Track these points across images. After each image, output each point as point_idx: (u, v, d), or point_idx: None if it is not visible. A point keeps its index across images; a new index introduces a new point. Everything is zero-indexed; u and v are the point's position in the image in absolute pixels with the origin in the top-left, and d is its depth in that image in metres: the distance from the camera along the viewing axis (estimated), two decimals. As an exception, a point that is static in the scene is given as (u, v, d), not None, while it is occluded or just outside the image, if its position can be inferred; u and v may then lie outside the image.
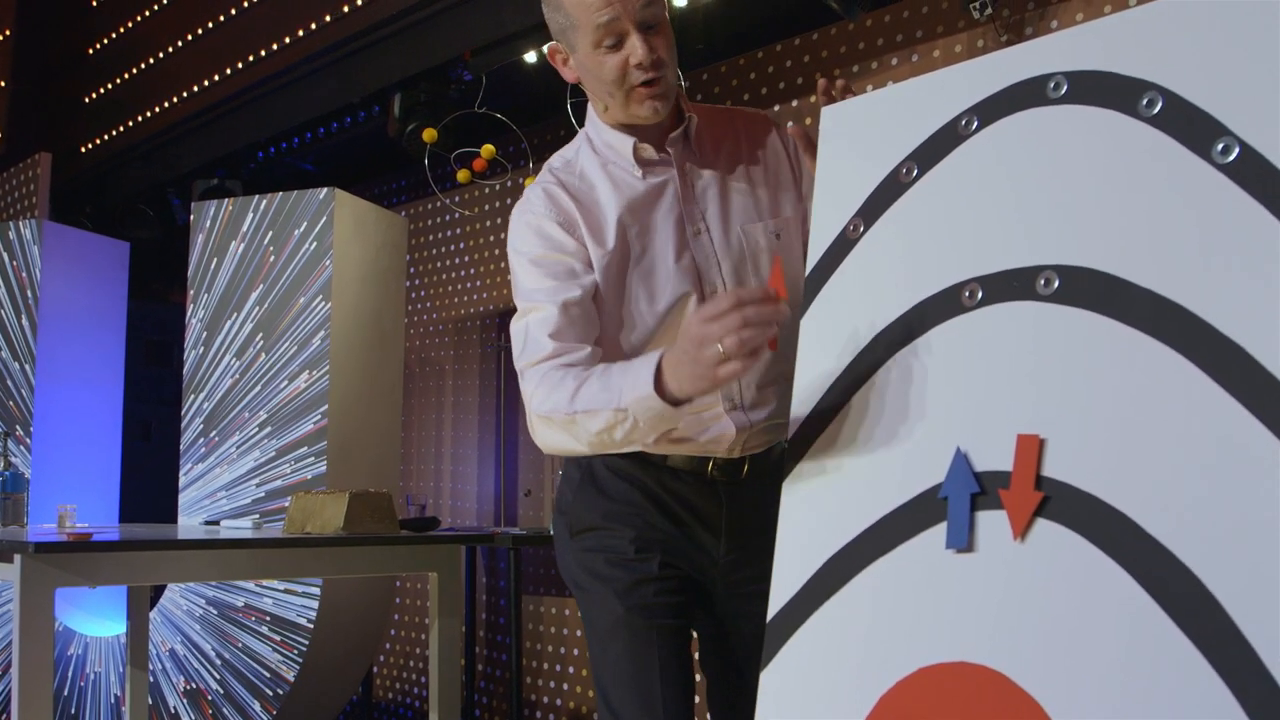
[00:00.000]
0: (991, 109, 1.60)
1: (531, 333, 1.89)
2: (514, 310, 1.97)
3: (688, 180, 1.99)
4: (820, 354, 1.74)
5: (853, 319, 1.71)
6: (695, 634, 2.10)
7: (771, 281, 1.66)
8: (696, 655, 2.10)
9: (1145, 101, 1.41)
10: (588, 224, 1.93)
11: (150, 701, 4.72)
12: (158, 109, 6.05)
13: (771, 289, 1.60)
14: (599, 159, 1.99)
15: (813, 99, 1.96)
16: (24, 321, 5.49)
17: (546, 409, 1.81)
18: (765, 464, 1.99)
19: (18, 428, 5.42)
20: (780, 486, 1.74)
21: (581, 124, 2.07)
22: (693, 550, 2.00)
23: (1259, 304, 1.27)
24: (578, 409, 1.76)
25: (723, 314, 1.56)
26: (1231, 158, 1.32)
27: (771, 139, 2.10)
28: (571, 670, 5.05)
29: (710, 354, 1.56)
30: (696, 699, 2.04)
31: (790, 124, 2.08)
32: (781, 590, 1.68)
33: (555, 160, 2.04)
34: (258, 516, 4.72)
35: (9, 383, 5.50)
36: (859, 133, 1.80)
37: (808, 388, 1.74)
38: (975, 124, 1.61)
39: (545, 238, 1.92)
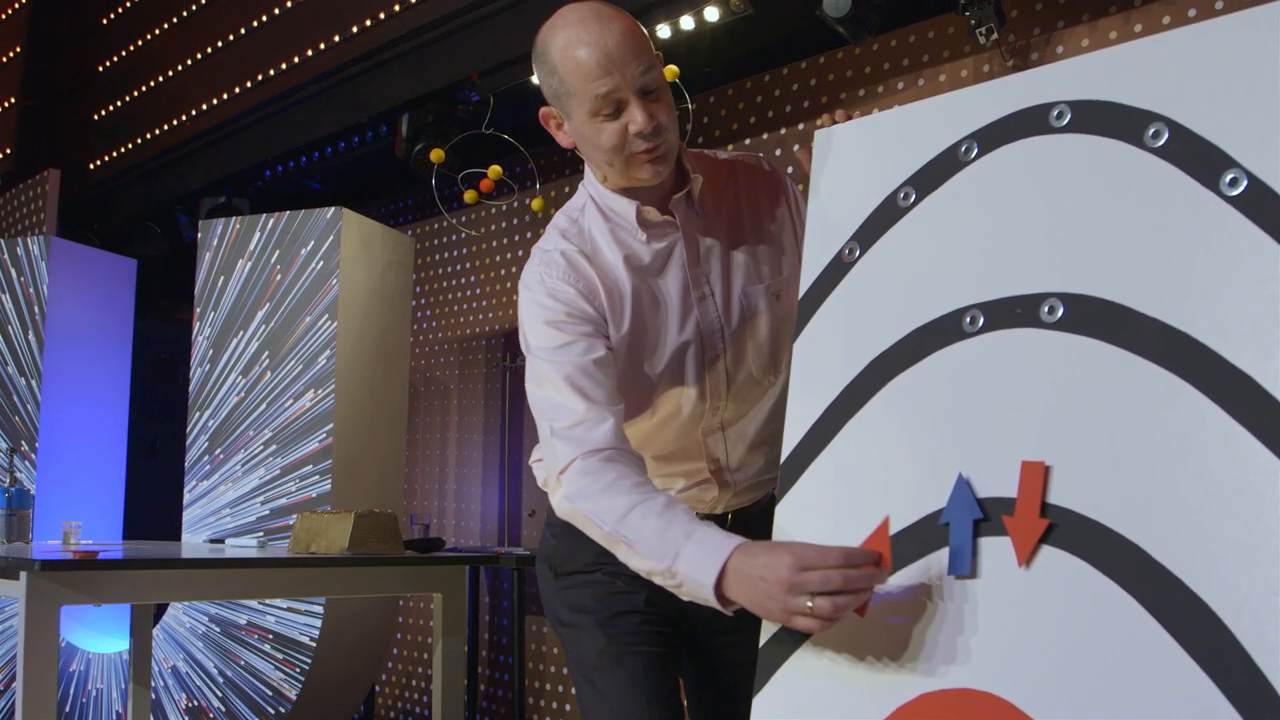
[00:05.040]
0: (992, 136, 1.61)
1: (558, 393, 1.82)
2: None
3: (693, 244, 1.95)
4: (815, 378, 1.74)
5: (849, 343, 1.70)
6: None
7: (873, 540, 1.57)
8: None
9: (1151, 132, 1.42)
10: (608, 296, 1.90)
11: (152, 718, 4.71)
12: (166, 127, 6.08)
13: (878, 553, 1.53)
14: (607, 224, 1.95)
15: (819, 123, 1.94)
16: (30, 337, 5.50)
17: (587, 509, 1.75)
18: (750, 517, 2.00)
19: (23, 443, 5.43)
20: (762, 538, 1.72)
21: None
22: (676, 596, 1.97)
23: (1267, 333, 1.27)
24: (625, 536, 1.69)
25: (825, 568, 1.48)
26: (1240, 190, 1.33)
27: (772, 192, 2.05)
28: (574, 691, 5.04)
29: (796, 604, 1.49)
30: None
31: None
32: (774, 615, 1.68)
33: (561, 221, 1.99)
34: (262, 535, 4.73)
35: (15, 398, 5.51)
36: (855, 156, 1.80)
37: (801, 412, 1.73)
38: (975, 151, 1.62)
39: (566, 303, 1.87)
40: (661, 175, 1.89)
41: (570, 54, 1.80)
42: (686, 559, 1.61)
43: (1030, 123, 1.56)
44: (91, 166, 6.58)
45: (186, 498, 5.06)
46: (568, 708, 5.06)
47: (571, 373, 1.82)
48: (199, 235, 5.18)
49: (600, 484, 1.74)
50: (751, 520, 1.95)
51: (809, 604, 1.48)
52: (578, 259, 1.91)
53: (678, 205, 1.94)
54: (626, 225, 1.94)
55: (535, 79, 1.93)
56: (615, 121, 1.81)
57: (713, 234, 1.97)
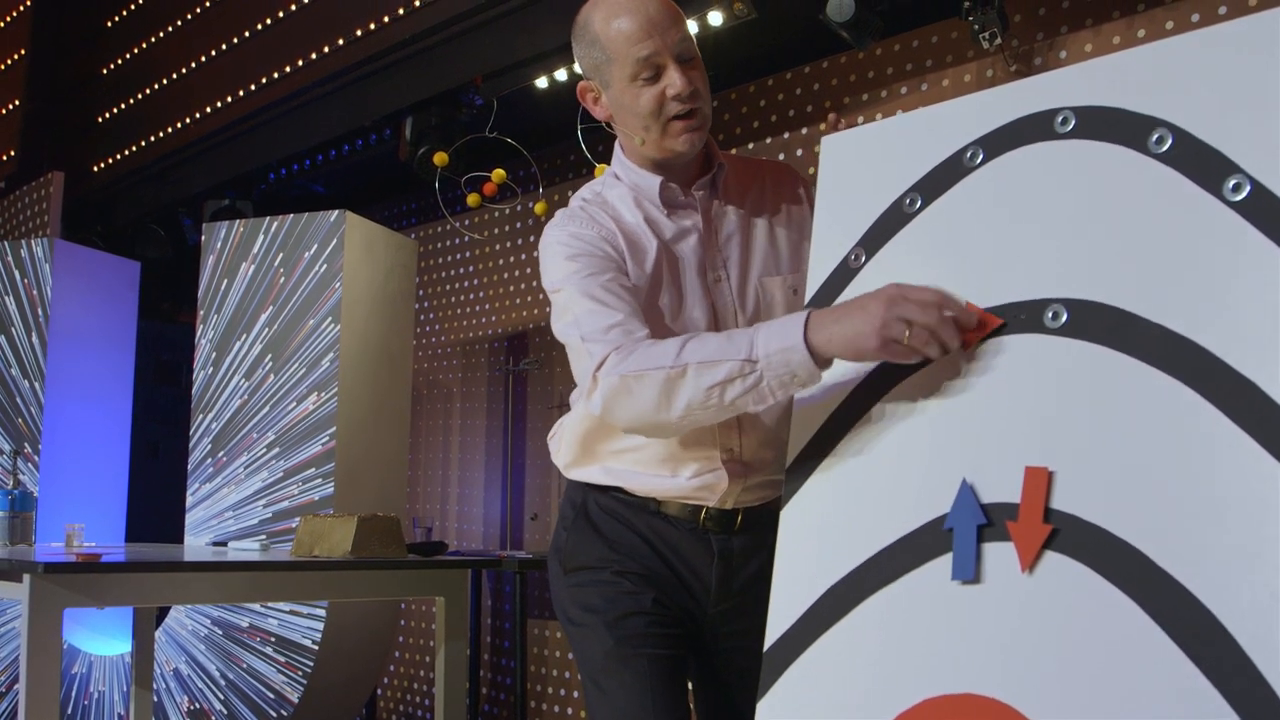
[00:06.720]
0: (997, 142, 1.61)
1: (583, 309, 1.83)
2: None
3: (712, 226, 1.99)
4: (820, 382, 1.74)
5: None
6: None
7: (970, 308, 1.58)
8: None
9: (1155, 138, 1.42)
10: (629, 245, 1.93)
11: (154, 721, 4.72)
12: (170, 129, 6.08)
13: (975, 311, 1.56)
14: (631, 194, 2.00)
15: (822, 127, 1.96)
16: (34, 339, 5.51)
17: (636, 367, 1.71)
18: (760, 518, 1.97)
19: (26, 445, 5.44)
20: (774, 541, 1.73)
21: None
22: (685, 596, 1.99)
23: (1270, 339, 1.27)
24: (689, 360, 1.67)
25: (926, 303, 1.53)
26: (1243, 195, 1.33)
27: (797, 193, 2.10)
28: (576, 695, 5.04)
29: (897, 330, 1.53)
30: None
31: None
32: (779, 619, 1.67)
33: (585, 192, 2.06)
34: (264, 538, 4.73)
35: (18, 400, 5.52)
36: (861, 162, 1.80)
37: (806, 415, 1.74)
38: (980, 157, 1.62)
39: (588, 241, 1.91)
40: (696, 146, 1.94)
41: (612, 22, 1.91)
42: (763, 337, 1.63)
43: (1035, 128, 1.56)
44: (95, 169, 6.58)
45: (189, 500, 5.06)
46: (570, 711, 5.06)
47: (596, 291, 1.84)
48: (202, 238, 5.18)
49: (641, 346, 1.75)
50: (763, 521, 1.94)
51: (907, 330, 1.53)
52: (599, 213, 1.97)
53: (702, 187, 2.01)
54: (650, 199, 1.99)
55: (575, 65, 2.01)
56: (653, 86, 1.90)
57: (734, 221, 2.02)
